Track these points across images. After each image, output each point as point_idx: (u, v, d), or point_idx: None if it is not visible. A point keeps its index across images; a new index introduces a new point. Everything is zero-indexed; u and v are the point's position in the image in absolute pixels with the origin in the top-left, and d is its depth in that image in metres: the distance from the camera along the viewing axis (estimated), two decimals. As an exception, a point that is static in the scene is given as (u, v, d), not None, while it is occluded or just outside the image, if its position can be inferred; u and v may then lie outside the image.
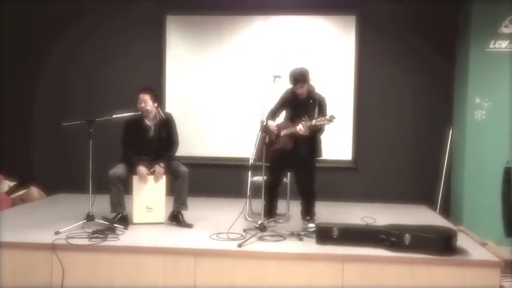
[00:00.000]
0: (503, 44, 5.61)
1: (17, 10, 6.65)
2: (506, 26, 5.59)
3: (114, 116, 4.69)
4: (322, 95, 4.81)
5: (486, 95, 5.67)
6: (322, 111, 4.70)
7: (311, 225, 4.68)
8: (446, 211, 6.04)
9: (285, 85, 4.79)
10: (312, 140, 4.74)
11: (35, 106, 6.79)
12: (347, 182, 6.39)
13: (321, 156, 4.90)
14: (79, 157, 6.39)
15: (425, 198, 6.17)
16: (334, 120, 4.44)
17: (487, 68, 5.66)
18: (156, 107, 4.93)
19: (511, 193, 4.94)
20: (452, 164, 6.16)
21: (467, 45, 5.76)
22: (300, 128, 4.54)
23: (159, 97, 4.96)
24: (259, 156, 4.79)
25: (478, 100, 5.69)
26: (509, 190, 5.29)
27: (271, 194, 4.93)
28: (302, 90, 4.68)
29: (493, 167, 5.53)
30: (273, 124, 4.77)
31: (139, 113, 4.84)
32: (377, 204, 6.03)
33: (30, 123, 6.79)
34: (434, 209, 6.02)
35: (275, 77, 4.60)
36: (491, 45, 5.63)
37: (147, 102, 4.83)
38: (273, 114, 4.86)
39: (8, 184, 6.21)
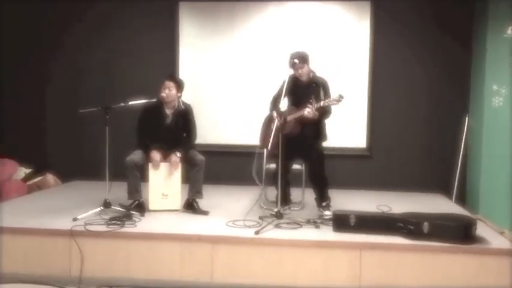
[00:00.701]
0: (521, 30, 5.53)
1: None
2: (524, 12, 5.50)
3: (130, 102, 4.68)
4: (324, 78, 4.82)
5: (504, 82, 5.59)
6: (326, 93, 4.72)
7: (327, 212, 4.66)
8: (462, 199, 6.00)
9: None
10: (317, 124, 4.75)
11: (50, 93, 6.81)
12: (361, 170, 6.36)
13: (326, 140, 4.90)
14: (94, 144, 6.49)
15: (441, 186, 6.11)
16: (342, 100, 4.44)
17: (504, 54, 5.57)
18: (179, 97, 4.91)
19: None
20: (468, 152, 6.11)
21: (484, 32, 5.68)
22: (308, 110, 4.53)
23: (182, 88, 4.91)
24: (264, 143, 4.80)
25: (495, 87, 5.62)
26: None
27: (283, 181, 4.86)
28: (302, 71, 4.70)
29: (510, 155, 5.49)
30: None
31: (155, 100, 4.82)
32: (391, 193, 5.99)
33: (45, 111, 6.81)
34: (450, 197, 5.98)
35: (292, 63, 4.57)
36: (509, 31, 5.54)
37: (171, 89, 4.81)
38: (275, 103, 4.82)
39: (24, 171, 6.25)
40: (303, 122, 4.66)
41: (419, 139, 6.34)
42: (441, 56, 6.23)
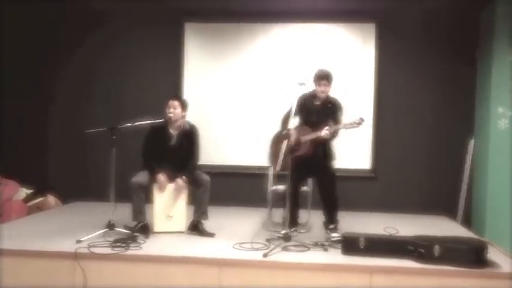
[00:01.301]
0: (526, 53, 5.54)
1: (38, 17, 6.67)
2: (529, 35, 5.53)
3: (136, 123, 4.65)
4: (339, 101, 4.82)
5: (509, 104, 5.57)
6: (341, 115, 4.72)
7: (334, 234, 4.61)
8: (467, 222, 5.95)
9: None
10: (327, 145, 4.74)
11: (52, 113, 6.78)
12: (366, 192, 6.32)
13: (335, 159, 4.88)
14: (95, 165, 6.49)
15: (445, 208, 6.09)
16: (363, 123, 4.46)
17: (509, 77, 5.58)
18: (183, 117, 4.88)
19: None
20: (474, 175, 6.07)
21: (489, 54, 5.69)
22: (326, 132, 4.51)
23: (187, 107, 4.89)
24: (283, 164, 4.72)
25: (501, 109, 5.60)
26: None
27: (293, 202, 4.84)
28: (326, 89, 4.69)
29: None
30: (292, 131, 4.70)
31: (162, 120, 4.79)
32: (397, 215, 5.95)
33: (47, 131, 6.77)
34: (455, 219, 5.93)
35: (300, 84, 4.56)
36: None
37: (177, 108, 4.79)
38: (286, 122, 4.78)
39: (25, 192, 6.16)
40: (316, 142, 4.63)
41: (424, 161, 6.32)
42: (446, 78, 6.25)
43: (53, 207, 6.14)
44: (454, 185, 6.12)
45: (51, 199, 6.20)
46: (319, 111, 4.69)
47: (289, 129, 4.62)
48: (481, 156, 5.92)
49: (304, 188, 5.11)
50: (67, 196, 6.39)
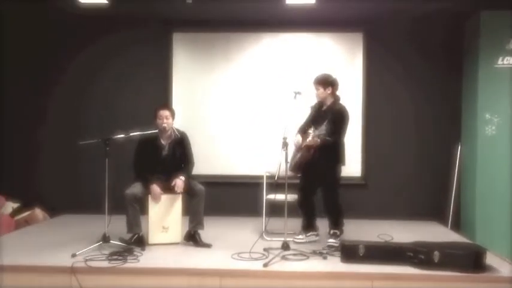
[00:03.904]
0: (511, 60, 5.67)
1: (26, 26, 6.57)
2: (514, 43, 5.68)
3: (131, 133, 4.59)
4: (343, 109, 4.74)
5: (496, 111, 5.71)
6: (335, 122, 4.56)
7: (331, 240, 4.64)
8: (457, 227, 6.03)
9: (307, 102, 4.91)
10: (329, 148, 4.58)
11: (38, 126, 6.64)
12: (357, 199, 6.32)
13: (343, 163, 4.82)
14: (83, 177, 6.38)
15: (435, 214, 6.15)
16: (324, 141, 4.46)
17: (496, 84, 5.71)
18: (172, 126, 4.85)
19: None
20: (462, 180, 6.17)
21: (475, 62, 5.81)
22: (309, 139, 4.52)
23: (174, 116, 4.86)
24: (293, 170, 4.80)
25: (487, 116, 5.73)
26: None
27: (306, 208, 4.93)
28: (317, 93, 4.77)
29: (504, 182, 5.57)
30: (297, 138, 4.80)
31: (157, 130, 4.74)
32: (388, 221, 5.99)
33: (33, 143, 6.62)
34: (445, 225, 6.00)
35: (296, 93, 4.59)
36: (500, 62, 5.68)
37: (169, 118, 4.75)
38: (302, 129, 4.86)
39: (11, 206, 6.02)
40: (312, 148, 4.58)
41: (413, 167, 6.38)
42: (433, 85, 6.35)
43: (41, 221, 6.00)
44: (444, 191, 6.20)
45: (38, 212, 6.07)
46: (321, 117, 4.68)
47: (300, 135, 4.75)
48: (469, 162, 6.02)
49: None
50: (54, 209, 6.26)
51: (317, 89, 4.76)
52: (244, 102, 6.45)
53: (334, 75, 6.30)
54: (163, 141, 4.83)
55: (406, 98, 6.39)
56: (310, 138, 4.51)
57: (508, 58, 5.67)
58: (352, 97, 6.34)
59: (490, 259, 4.17)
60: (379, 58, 6.36)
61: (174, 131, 4.86)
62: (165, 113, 4.76)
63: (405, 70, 6.36)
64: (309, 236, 4.87)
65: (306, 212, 4.93)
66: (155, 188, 4.69)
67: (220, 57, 6.49)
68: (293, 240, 4.71)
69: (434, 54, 6.32)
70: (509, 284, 3.75)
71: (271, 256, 4.16)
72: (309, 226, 4.94)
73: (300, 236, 4.85)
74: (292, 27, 6.39)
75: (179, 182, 4.71)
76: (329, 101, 4.78)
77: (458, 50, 6.24)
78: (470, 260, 3.83)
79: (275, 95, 6.28)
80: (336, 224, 4.79)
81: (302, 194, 4.86)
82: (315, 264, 4.06)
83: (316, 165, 4.64)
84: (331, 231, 4.75)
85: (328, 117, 4.58)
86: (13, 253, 4.28)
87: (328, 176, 4.75)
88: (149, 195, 4.72)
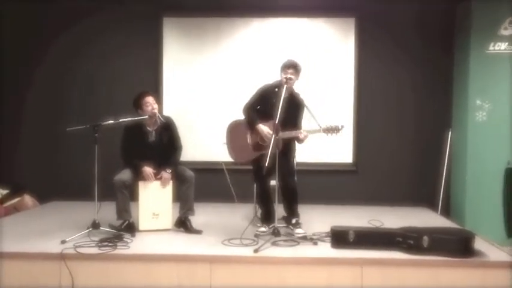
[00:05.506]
0: (502, 46, 5.67)
1: (12, 15, 6.46)
2: (506, 28, 5.65)
3: (121, 120, 4.55)
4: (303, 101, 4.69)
5: (487, 97, 5.72)
6: (300, 114, 4.63)
7: (299, 230, 4.54)
8: (447, 213, 6.06)
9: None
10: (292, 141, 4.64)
11: (25, 112, 6.57)
12: (348, 185, 6.36)
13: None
14: (71, 164, 6.35)
15: (425, 200, 6.18)
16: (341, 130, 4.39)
17: (487, 70, 5.71)
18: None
19: (512, 194, 4.98)
20: (453, 166, 6.19)
21: (467, 48, 5.80)
22: (305, 134, 4.41)
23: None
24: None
25: (478, 102, 5.74)
26: (511, 191, 5.34)
27: (267, 200, 4.78)
28: (292, 77, 4.48)
29: (494, 168, 5.59)
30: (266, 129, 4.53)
31: (147, 116, 4.70)
32: (379, 207, 6.00)
33: (20, 129, 6.56)
34: (435, 211, 6.04)
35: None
36: (491, 47, 5.68)
37: (155, 103, 4.73)
38: (254, 109, 4.66)
39: (0, 193, 5.97)
40: (286, 140, 4.49)
41: (405, 153, 6.40)
42: (424, 71, 6.33)
43: (31, 208, 5.96)
44: (434, 177, 6.22)
45: (28, 199, 6.03)
46: (284, 106, 4.34)
47: (257, 123, 4.55)
48: (459, 148, 6.04)
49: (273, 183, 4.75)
50: (43, 196, 6.21)
51: (292, 75, 4.50)
52: (234, 87, 6.40)
53: (326, 60, 6.31)
54: (149, 128, 4.79)
55: (397, 83, 6.37)
56: (305, 134, 4.41)
57: (500, 44, 5.67)
58: (343, 83, 6.35)
59: (479, 244, 4.20)
60: (371, 43, 6.33)
61: (158, 117, 4.80)
62: (151, 99, 4.73)
63: (396, 56, 6.34)
64: (270, 228, 4.56)
65: (268, 202, 4.77)
66: (147, 168, 4.66)
67: (210, 42, 6.43)
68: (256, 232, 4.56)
69: (426, 39, 6.29)
70: (497, 269, 3.78)
71: (261, 242, 4.15)
72: (270, 218, 4.67)
73: (263, 228, 4.65)
74: (283, 12, 6.35)
75: (166, 175, 4.69)
76: (291, 90, 4.63)
77: (450, 35, 6.22)
78: (459, 244, 3.85)
79: (266, 80, 6.22)
80: (295, 210, 4.68)
81: (264, 184, 4.70)
82: (305, 250, 4.06)
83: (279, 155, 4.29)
84: (293, 221, 4.62)
85: (300, 110, 4.59)
86: (2, 240, 4.24)
87: (289, 162, 4.69)
88: (139, 182, 4.68)
